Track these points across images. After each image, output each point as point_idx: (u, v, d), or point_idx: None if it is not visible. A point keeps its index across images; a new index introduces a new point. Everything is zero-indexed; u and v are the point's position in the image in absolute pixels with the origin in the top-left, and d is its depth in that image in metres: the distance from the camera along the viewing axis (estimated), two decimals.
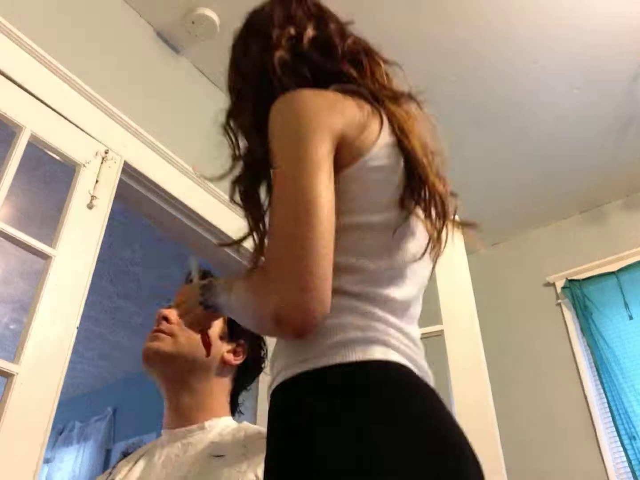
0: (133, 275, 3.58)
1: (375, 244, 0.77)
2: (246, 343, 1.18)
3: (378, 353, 0.69)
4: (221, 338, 1.14)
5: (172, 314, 1.12)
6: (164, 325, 1.12)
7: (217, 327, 1.13)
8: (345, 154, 0.76)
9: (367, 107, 0.82)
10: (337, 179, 0.74)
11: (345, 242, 0.74)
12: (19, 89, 1.65)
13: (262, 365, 1.24)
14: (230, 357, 1.15)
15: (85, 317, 1.62)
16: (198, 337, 1.08)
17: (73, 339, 1.53)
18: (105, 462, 4.41)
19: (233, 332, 1.16)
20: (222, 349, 1.14)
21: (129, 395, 4.53)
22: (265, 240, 0.81)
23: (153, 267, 3.48)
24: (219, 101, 2.66)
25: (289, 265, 0.67)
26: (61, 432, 4.79)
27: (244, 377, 1.20)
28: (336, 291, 0.69)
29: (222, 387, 1.15)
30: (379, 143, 0.79)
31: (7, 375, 1.40)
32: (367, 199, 0.78)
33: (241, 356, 1.17)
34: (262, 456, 0.96)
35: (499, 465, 1.64)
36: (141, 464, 1.09)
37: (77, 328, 1.55)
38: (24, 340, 1.45)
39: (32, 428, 1.40)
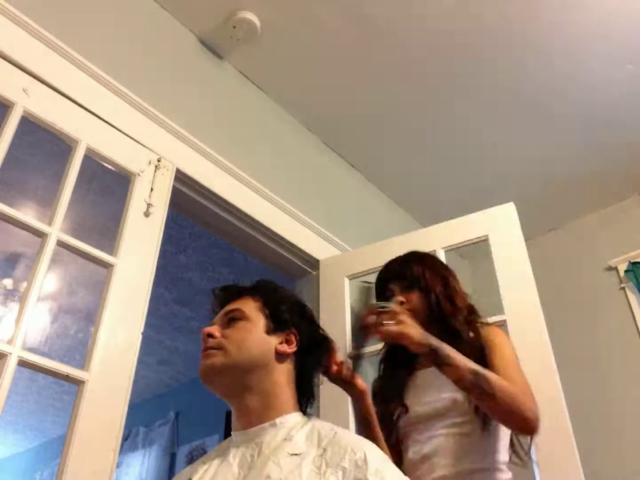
0: (188, 281, 3.64)
1: None
2: (297, 330, 1.18)
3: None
4: (267, 333, 1.14)
5: (216, 329, 1.14)
6: (211, 342, 1.12)
7: (260, 324, 1.14)
8: None
9: None
10: None
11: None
12: (72, 104, 1.70)
13: (323, 347, 1.23)
14: (283, 347, 1.14)
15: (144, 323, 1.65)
16: (244, 337, 1.11)
17: (138, 345, 1.57)
18: (171, 465, 4.49)
19: (278, 324, 1.16)
20: (273, 342, 1.14)
21: (190, 399, 4.62)
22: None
23: (207, 271, 3.53)
24: (264, 104, 2.71)
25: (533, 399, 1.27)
26: (126, 438, 4.91)
27: (305, 362, 1.18)
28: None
29: (285, 379, 1.14)
30: None
31: (78, 382, 1.45)
32: None
33: (294, 343, 1.16)
34: (341, 456, 0.96)
35: (572, 455, 1.60)
36: (216, 463, 1.09)
37: (142, 334, 1.58)
38: (92, 347, 1.49)
39: (105, 433, 1.44)
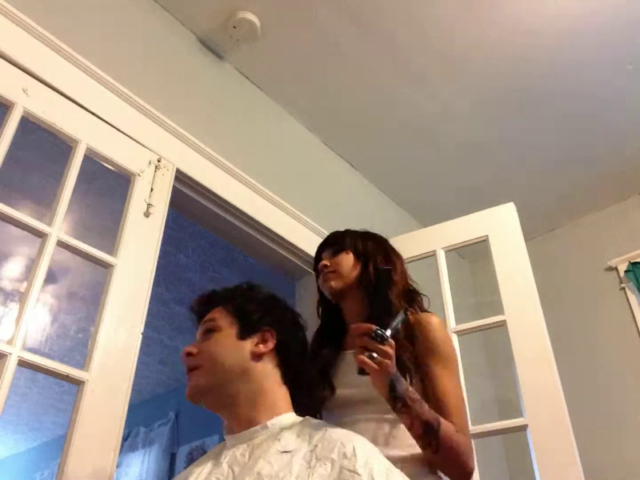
0: (188, 281, 3.64)
1: None
2: (271, 327, 1.17)
3: None
4: (240, 338, 1.14)
5: (193, 347, 1.15)
6: (188, 362, 1.14)
7: (232, 331, 1.15)
8: None
9: None
10: None
11: None
12: (72, 104, 1.70)
13: (302, 330, 1.24)
14: (258, 348, 1.14)
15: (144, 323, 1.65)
16: (217, 350, 1.12)
17: (139, 345, 1.57)
18: (171, 465, 4.49)
19: (250, 326, 1.16)
20: (247, 346, 1.13)
21: None
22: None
23: (207, 271, 3.53)
24: (264, 104, 2.71)
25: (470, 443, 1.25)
26: (126, 438, 4.90)
27: (288, 354, 1.17)
28: None
29: (271, 379, 1.13)
30: None
31: (78, 383, 1.45)
32: None
33: (270, 340, 1.15)
34: (330, 449, 0.96)
35: (572, 453, 1.60)
36: (209, 465, 1.09)
37: (142, 334, 1.58)
38: (92, 348, 1.49)
39: (105, 433, 1.44)
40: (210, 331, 1.16)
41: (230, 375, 1.11)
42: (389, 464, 0.98)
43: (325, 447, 0.98)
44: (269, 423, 1.07)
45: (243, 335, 1.15)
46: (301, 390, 1.19)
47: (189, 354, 1.14)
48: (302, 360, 1.22)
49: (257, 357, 1.13)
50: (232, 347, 1.13)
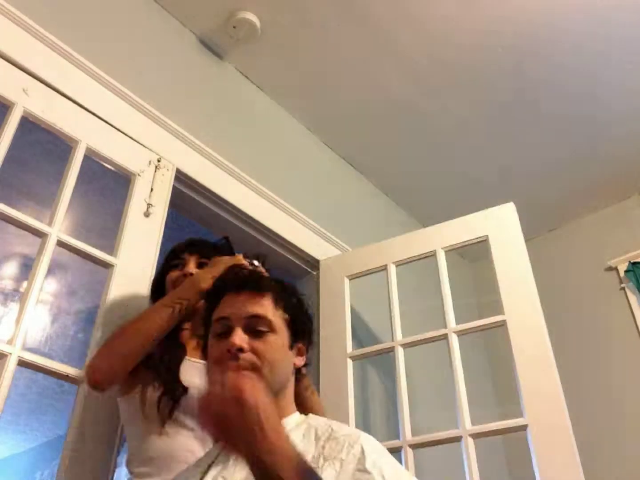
0: None
1: None
2: (306, 342, 1.16)
3: None
4: (289, 348, 1.11)
5: (245, 342, 1.04)
6: (243, 360, 1.02)
7: (285, 338, 1.10)
8: None
9: None
10: None
11: None
12: (72, 104, 1.70)
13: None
14: (299, 360, 1.13)
15: None
16: (276, 358, 1.05)
17: None
18: None
19: (296, 336, 1.12)
20: (292, 357, 1.11)
21: None
22: None
23: None
24: (264, 104, 2.70)
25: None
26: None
27: (303, 368, 1.18)
28: None
29: (292, 387, 1.14)
30: None
31: (78, 383, 1.45)
32: None
33: (304, 355, 1.15)
34: (338, 450, 0.96)
35: (572, 453, 1.60)
36: (212, 466, 1.09)
37: None
38: (92, 347, 1.49)
39: (105, 433, 1.44)
40: (265, 331, 1.06)
41: (279, 385, 1.07)
42: (394, 460, 0.99)
43: (333, 448, 0.98)
44: None
45: (292, 344, 1.11)
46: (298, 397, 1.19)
47: (240, 350, 1.02)
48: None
49: (294, 369, 1.12)
50: (286, 356, 1.08)
